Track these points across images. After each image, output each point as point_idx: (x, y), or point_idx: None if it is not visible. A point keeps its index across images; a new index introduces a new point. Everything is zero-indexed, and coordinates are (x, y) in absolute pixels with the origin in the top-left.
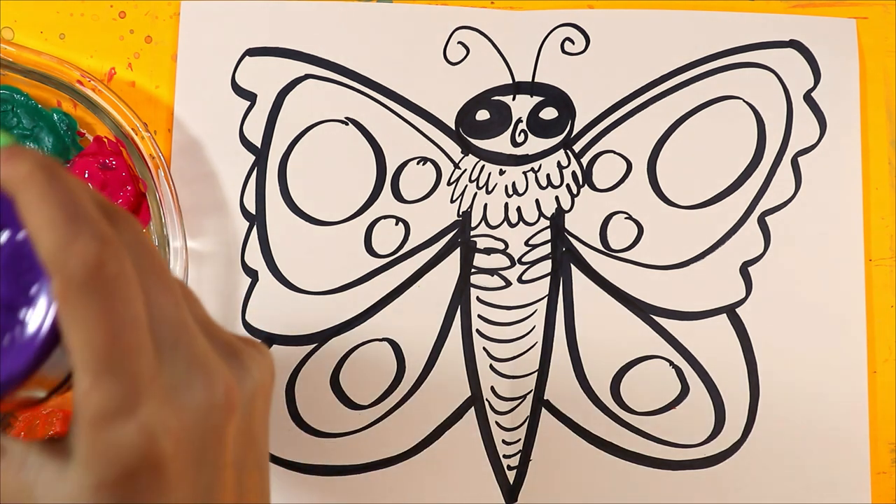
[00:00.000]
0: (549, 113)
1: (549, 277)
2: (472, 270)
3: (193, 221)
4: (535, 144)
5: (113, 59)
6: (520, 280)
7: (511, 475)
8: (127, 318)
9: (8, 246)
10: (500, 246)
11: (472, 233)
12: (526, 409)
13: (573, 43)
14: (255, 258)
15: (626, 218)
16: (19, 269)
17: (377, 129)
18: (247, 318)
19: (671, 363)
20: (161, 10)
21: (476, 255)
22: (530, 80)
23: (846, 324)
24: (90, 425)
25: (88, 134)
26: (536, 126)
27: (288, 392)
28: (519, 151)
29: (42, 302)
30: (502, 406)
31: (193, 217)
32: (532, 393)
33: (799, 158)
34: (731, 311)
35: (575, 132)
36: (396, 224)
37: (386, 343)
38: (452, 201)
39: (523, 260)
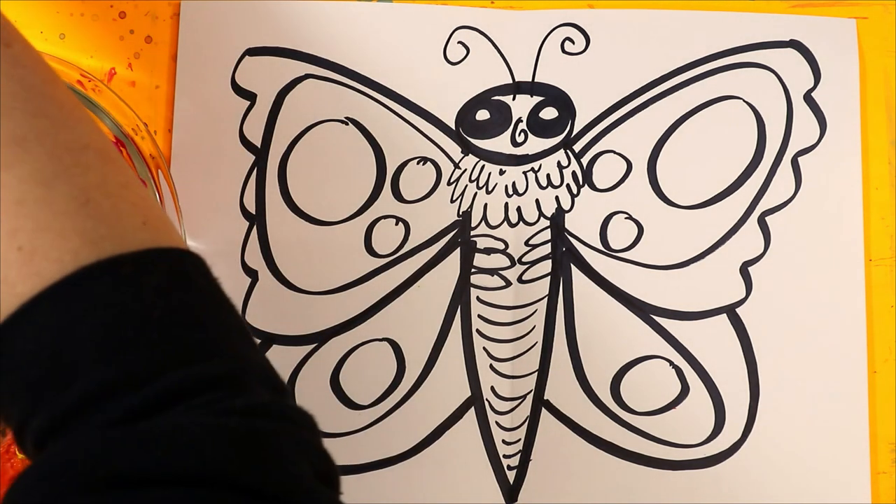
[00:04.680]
0: (549, 113)
1: (549, 277)
2: (473, 270)
3: (193, 221)
4: (535, 144)
5: (113, 59)
6: (520, 280)
7: (511, 475)
8: None
9: None
10: (500, 246)
11: (472, 233)
12: (526, 409)
13: (573, 43)
14: (255, 258)
15: (626, 218)
16: None
17: (377, 129)
18: (247, 317)
19: (671, 363)
20: (161, 10)
21: (476, 255)
22: (530, 80)
23: (846, 324)
24: None
25: None
26: (536, 126)
27: None
28: (519, 151)
29: None
30: (502, 406)
31: (193, 217)
32: (532, 393)
33: (799, 158)
34: (731, 311)
35: (575, 132)
36: (396, 224)
37: (386, 343)
38: (452, 201)
39: (523, 260)
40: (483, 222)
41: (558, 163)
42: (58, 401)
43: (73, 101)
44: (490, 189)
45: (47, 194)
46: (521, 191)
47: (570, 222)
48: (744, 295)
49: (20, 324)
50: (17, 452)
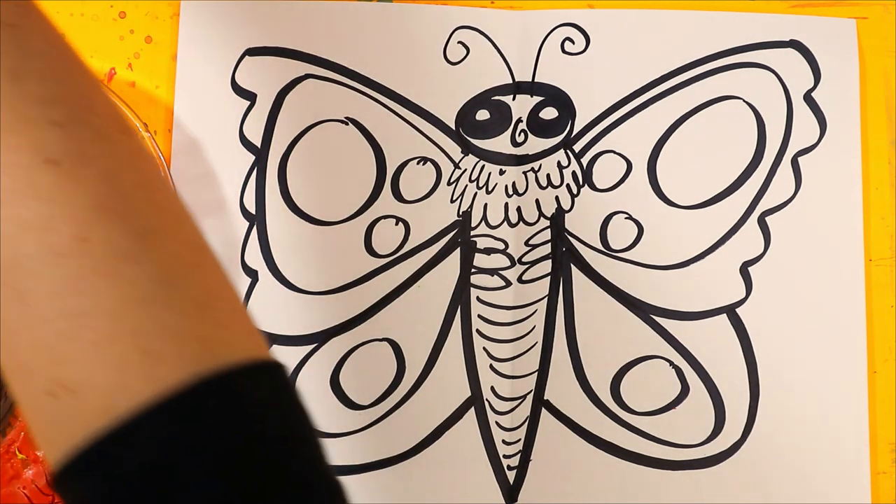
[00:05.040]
0: (549, 113)
1: (549, 277)
2: (473, 270)
3: None
4: (535, 144)
5: (113, 59)
6: (520, 280)
7: (511, 475)
8: None
9: None
10: (500, 246)
11: (472, 233)
12: (526, 409)
13: (573, 43)
14: (255, 258)
15: (626, 218)
16: None
17: (377, 129)
18: None
19: (671, 363)
20: (161, 10)
21: (476, 255)
22: (530, 79)
23: (846, 324)
24: None
25: None
26: (536, 126)
27: None
28: (519, 151)
29: None
30: (502, 406)
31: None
32: (532, 393)
33: (799, 158)
34: (731, 311)
35: (575, 132)
36: (396, 224)
37: (386, 343)
38: (452, 201)
39: (523, 260)
40: (483, 222)
41: (558, 163)
42: None
43: (179, 199)
44: (490, 189)
45: (172, 295)
46: (521, 191)
47: (570, 222)
48: (744, 295)
49: (135, 433)
50: (18, 452)
